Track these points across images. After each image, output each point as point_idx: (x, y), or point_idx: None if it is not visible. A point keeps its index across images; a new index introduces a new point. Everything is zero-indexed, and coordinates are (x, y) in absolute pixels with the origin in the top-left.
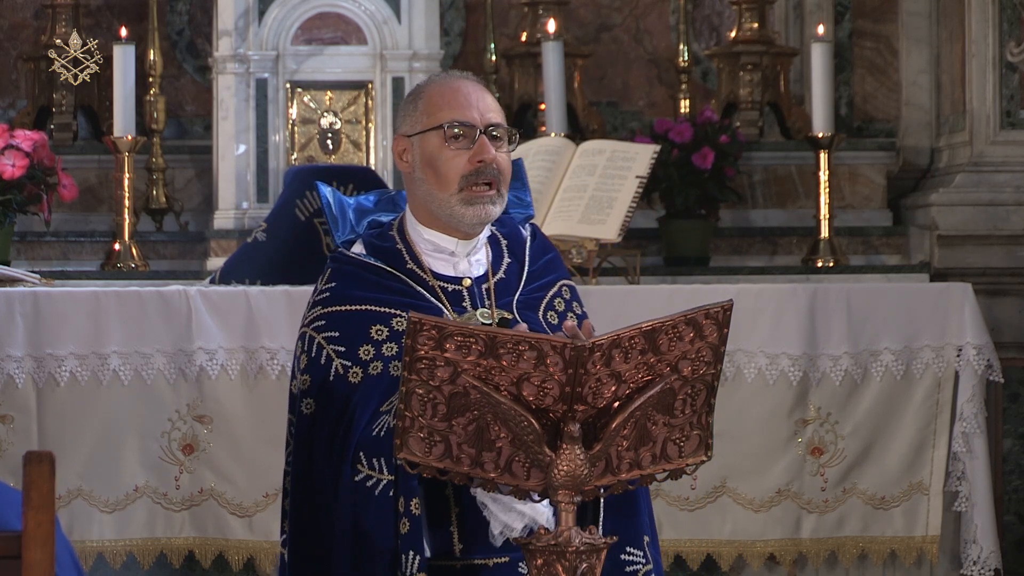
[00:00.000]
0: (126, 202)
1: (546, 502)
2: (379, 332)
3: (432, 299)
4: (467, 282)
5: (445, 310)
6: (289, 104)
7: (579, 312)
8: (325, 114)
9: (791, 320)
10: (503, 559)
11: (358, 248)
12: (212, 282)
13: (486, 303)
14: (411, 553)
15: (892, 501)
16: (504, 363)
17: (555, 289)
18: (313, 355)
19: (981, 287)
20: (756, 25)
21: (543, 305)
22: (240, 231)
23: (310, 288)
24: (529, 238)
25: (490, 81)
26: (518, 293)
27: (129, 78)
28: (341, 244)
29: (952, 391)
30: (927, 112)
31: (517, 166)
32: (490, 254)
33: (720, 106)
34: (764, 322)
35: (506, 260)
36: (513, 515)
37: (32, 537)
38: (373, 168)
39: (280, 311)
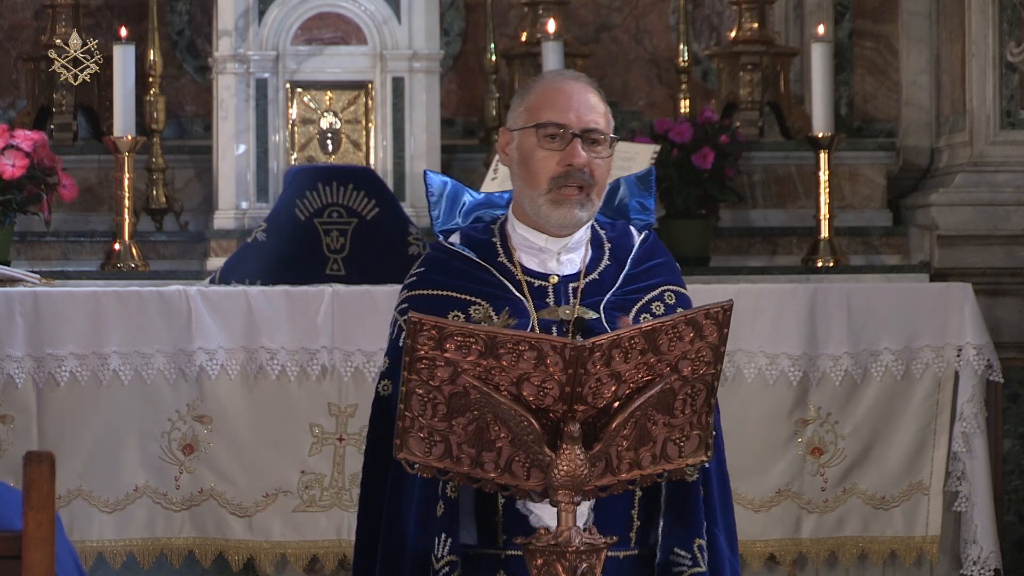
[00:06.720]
0: (126, 202)
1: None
2: (455, 318)
3: (516, 292)
4: (554, 279)
5: (527, 304)
6: (289, 104)
7: None
8: (325, 114)
9: (791, 320)
10: None
11: (455, 239)
12: (212, 282)
13: (571, 301)
14: (443, 535)
15: (892, 501)
16: (504, 363)
17: (655, 293)
18: (394, 337)
19: (981, 287)
20: (756, 25)
21: (637, 307)
22: (240, 231)
23: (310, 288)
24: (639, 243)
25: (490, 81)
26: (610, 294)
27: (129, 78)
28: (440, 232)
29: (952, 391)
30: (927, 112)
31: (648, 173)
32: (589, 255)
33: (720, 106)
34: (764, 322)
35: (605, 262)
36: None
37: (32, 537)
38: (373, 168)
39: (280, 311)
